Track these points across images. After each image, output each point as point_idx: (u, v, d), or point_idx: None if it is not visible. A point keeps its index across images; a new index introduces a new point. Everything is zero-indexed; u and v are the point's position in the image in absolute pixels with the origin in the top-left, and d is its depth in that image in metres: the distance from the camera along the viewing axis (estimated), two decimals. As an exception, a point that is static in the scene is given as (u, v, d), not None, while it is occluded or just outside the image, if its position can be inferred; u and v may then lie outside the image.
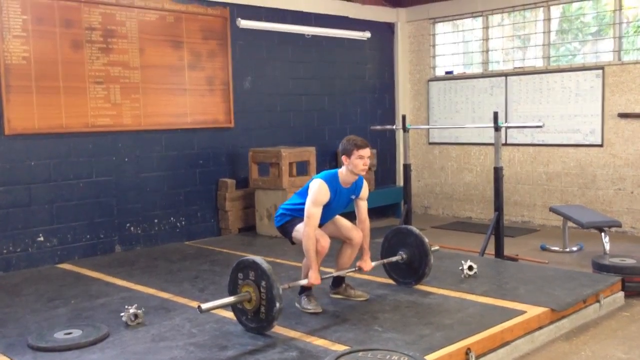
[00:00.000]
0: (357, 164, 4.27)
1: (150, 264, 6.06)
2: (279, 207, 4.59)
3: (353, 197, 4.46)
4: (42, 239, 6.18)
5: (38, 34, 6.10)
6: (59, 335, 3.89)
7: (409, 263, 4.86)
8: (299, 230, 4.32)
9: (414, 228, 4.98)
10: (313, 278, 4.23)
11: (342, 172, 4.36)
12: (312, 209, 4.20)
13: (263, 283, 3.82)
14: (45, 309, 4.63)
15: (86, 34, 6.41)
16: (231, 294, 3.99)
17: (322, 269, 4.84)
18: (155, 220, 7.02)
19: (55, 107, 6.22)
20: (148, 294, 4.96)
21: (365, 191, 4.52)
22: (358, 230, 4.50)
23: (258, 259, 3.92)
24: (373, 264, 4.61)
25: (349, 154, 4.28)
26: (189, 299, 4.76)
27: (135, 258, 6.35)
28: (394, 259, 4.87)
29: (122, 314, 4.17)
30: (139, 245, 6.87)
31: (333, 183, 4.31)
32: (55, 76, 6.22)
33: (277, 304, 3.74)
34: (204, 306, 3.77)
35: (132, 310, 4.14)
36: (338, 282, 4.68)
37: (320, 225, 4.33)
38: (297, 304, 4.41)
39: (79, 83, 6.38)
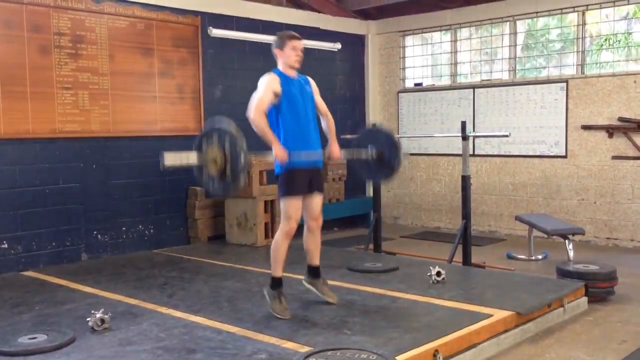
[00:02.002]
0: (290, 54, 4.33)
1: (118, 271, 5.99)
2: None
3: (308, 88, 4.46)
4: (6, 246, 6.06)
5: (5, 38, 6.02)
6: (24, 339, 3.82)
7: (378, 158, 4.78)
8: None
9: (383, 126, 4.97)
10: (280, 154, 4.15)
11: (279, 67, 4.41)
12: (262, 94, 4.19)
13: (227, 140, 3.83)
14: (9, 314, 4.54)
15: (55, 39, 6.34)
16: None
17: (291, 275, 4.88)
18: (123, 228, 6.94)
19: (22, 112, 6.13)
20: (115, 300, 4.89)
21: (314, 85, 4.56)
22: (318, 222, 4.51)
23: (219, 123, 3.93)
24: (342, 153, 4.62)
25: (282, 47, 4.35)
26: (157, 304, 4.71)
27: (102, 266, 6.27)
28: (363, 152, 4.81)
29: (88, 319, 4.10)
30: (106, 253, 6.78)
31: (278, 72, 4.35)
32: (23, 81, 6.13)
33: (242, 159, 3.77)
34: (167, 162, 3.79)
35: (98, 315, 4.09)
36: (315, 273, 4.61)
37: (305, 131, 4.33)
38: (266, 295, 4.40)
39: (47, 88, 6.31)
